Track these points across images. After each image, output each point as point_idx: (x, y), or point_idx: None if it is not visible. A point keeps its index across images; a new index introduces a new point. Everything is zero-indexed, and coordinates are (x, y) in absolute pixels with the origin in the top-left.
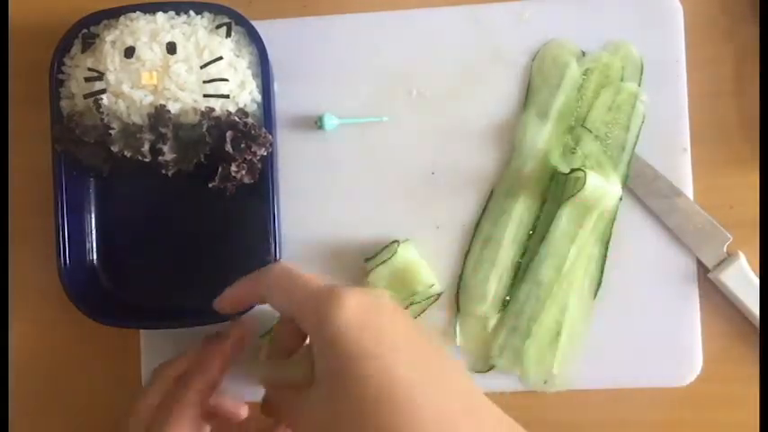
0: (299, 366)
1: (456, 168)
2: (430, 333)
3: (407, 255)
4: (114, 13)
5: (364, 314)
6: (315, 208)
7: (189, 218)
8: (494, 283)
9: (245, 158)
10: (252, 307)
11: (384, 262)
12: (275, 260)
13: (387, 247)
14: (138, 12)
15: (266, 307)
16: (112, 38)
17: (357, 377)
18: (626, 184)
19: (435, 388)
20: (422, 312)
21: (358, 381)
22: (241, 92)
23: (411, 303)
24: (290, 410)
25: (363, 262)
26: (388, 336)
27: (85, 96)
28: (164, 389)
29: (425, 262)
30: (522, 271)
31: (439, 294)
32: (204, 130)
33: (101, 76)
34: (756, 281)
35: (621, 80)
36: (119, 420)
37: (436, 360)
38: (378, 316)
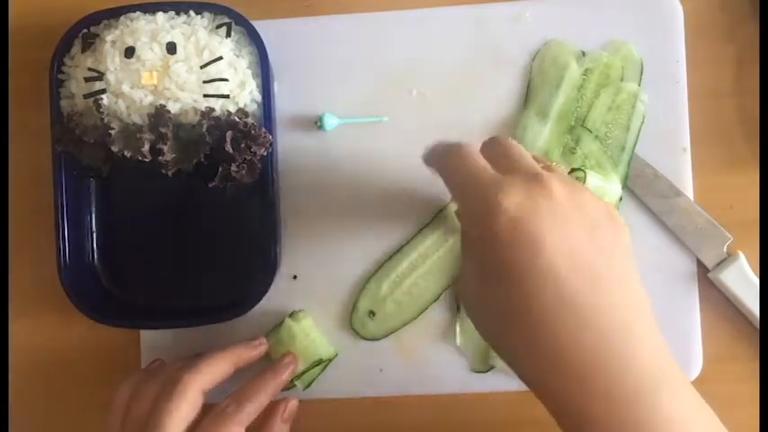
0: None
1: None
2: (603, 223)
3: (297, 329)
4: (114, 13)
5: (520, 221)
6: (315, 208)
7: (189, 218)
8: None
9: (245, 158)
10: None
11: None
12: (275, 260)
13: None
14: (138, 12)
15: (267, 307)
16: (112, 38)
17: (507, 284)
18: (626, 184)
19: (580, 315)
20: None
21: (507, 286)
22: (241, 92)
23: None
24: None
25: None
26: (543, 248)
27: (85, 96)
28: (196, 403)
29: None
30: None
31: (329, 360)
32: (204, 130)
33: (101, 76)
34: (756, 281)
35: (621, 80)
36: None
37: (596, 284)
38: (535, 223)
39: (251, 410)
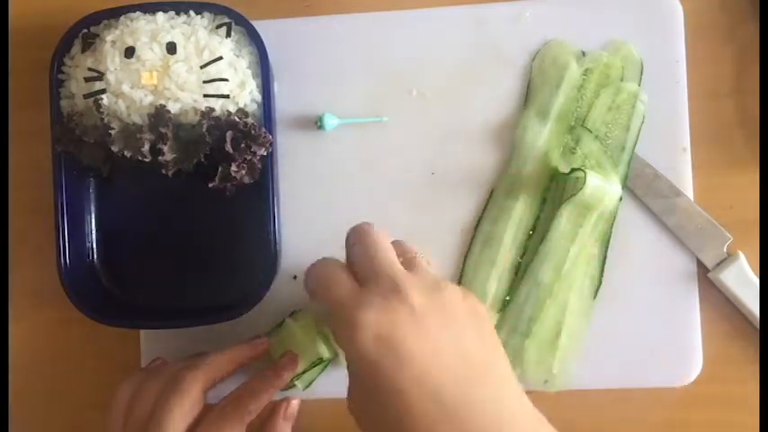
0: None
1: (456, 168)
2: (466, 322)
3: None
4: (114, 13)
5: (384, 339)
6: (315, 208)
7: (189, 218)
8: (494, 282)
9: (245, 158)
10: None
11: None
12: (275, 260)
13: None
14: (138, 12)
15: (267, 307)
16: (112, 38)
17: (377, 402)
18: (626, 184)
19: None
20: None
21: (378, 404)
22: (241, 92)
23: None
24: None
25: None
26: (412, 361)
27: (85, 96)
28: (198, 401)
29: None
30: (521, 271)
31: (329, 360)
32: (204, 130)
33: (101, 76)
34: (756, 281)
35: (621, 80)
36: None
37: (462, 385)
38: (398, 338)
39: (251, 409)
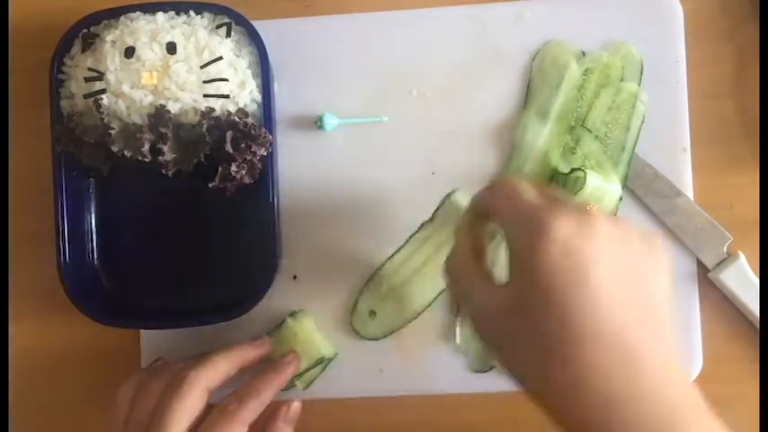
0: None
1: (456, 168)
2: (646, 264)
3: (298, 328)
4: (114, 13)
5: (570, 251)
6: (315, 208)
7: (189, 218)
8: None
9: (245, 158)
10: None
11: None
12: (275, 260)
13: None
14: (138, 12)
15: (267, 307)
16: (112, 38)
17: (549, 313)
18: (626, 184)
19: (621, 351)
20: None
21: (549, 315)
22: (241, 92)
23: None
24: (465, 290)
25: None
26: (593, 279)
27: (85, 96)
28: (201, 401)
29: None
30: None
31: (330, 359)
32: (204, 130)
33: (101, 76)
34: (756, 281)
35: (621, 80)
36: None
37: (636, 308)
38: (584, 253)
39: (253, 408)
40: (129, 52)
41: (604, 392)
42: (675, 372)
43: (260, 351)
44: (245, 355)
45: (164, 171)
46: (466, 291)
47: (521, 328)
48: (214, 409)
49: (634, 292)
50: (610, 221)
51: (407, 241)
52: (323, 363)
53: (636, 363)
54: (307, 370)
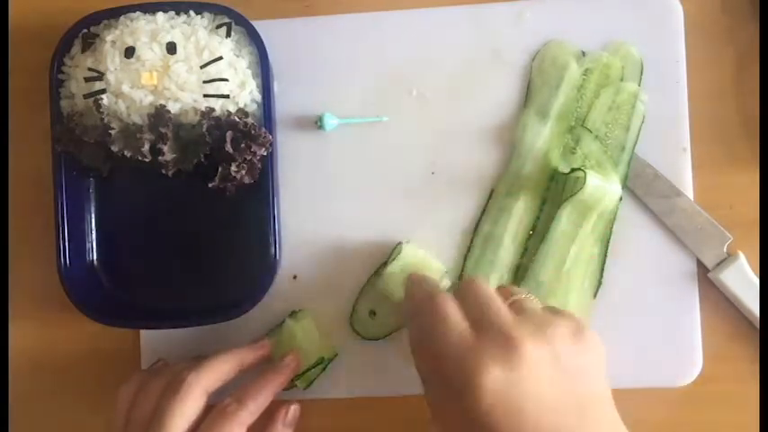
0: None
1: (456, 168)
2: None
3: (413, 252)
4: (114, 13)
5: (501, 399)
6: (315, 208)
7: (189, 218)
8: (494, 283)
9: (245, 158)
10: None
11: (394, 260)
12: (275, 260)
13: (394, 249)
14: (138, 12)
15: (267, 307)
16: (112, 38)
17: None
18: (626, 184)
19: None
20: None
21: None
22: (241, 92)
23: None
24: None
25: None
26: (526, 410)
27: (85, 96)
28: (200, 403)
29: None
30: (522, 271)
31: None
32: (204, 130)
33: (101, 76)
34: (756, 281)
35: (621, 80)
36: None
37: (573, 412)
38: (515, 396)
39: (252, 410)
40: (129, 52)
41: None
42: None
43: (259, 353)
44: (245, 357)
45: (164, 171)
46: (428, 358)
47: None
48: (213, 410)
49: (568, 400)
50: (533, 342)
51: (408, 241)
52: (323, 363)
53: None
54: (307, 370)
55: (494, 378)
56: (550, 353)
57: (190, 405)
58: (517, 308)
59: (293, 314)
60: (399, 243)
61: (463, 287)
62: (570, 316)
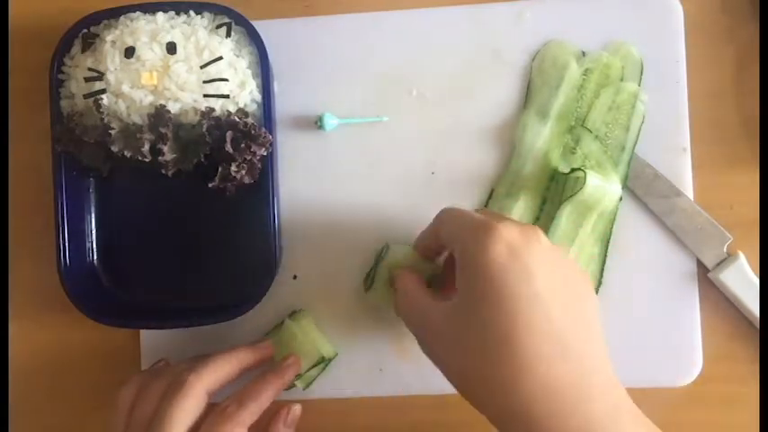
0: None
1: (456, 168)
2: (580, 278)
3: (295, 329)
4: (114, 13)
5: (514, 253)
6: (315, 208)
7: (189, 218)
8: None
9: (245, 158)
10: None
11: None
12: (275, 260)
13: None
14: (138, 12)
15: (267, 307)
16: (112, 38)
17: (489, 310)
18: (626, 184)
19: (558, 350)
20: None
21: (488, 313)
22: (241, 92)
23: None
24: (418, 314)
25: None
26: (535, 281)
27: (85, 96)
28: (201, 404)
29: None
30: None
31: (330, 359)
32: (204, 130)
33: (101, 76)
34: (756, 281)
35: (621, 80)
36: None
37: (577, 319)
38: (529, 257)
39: (253, 411)
40: (129, 52)
41: (543, 381)
42: (613, 378)
43: (261, 354)
44: (246, 357)
45: (164, 171)
46: (420, 316)
47: (473, 327)
48: (213, 411)
49: (572, 304)
50: (547, 240)
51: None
52: (323, 363)
53: (576, 359)
54: (307, 370)
55: (513, 233)
56: (563, 257)
57: (190, 406)
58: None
59: (293, 314)
60: (385, 245)
61: (437, 218)
62: None
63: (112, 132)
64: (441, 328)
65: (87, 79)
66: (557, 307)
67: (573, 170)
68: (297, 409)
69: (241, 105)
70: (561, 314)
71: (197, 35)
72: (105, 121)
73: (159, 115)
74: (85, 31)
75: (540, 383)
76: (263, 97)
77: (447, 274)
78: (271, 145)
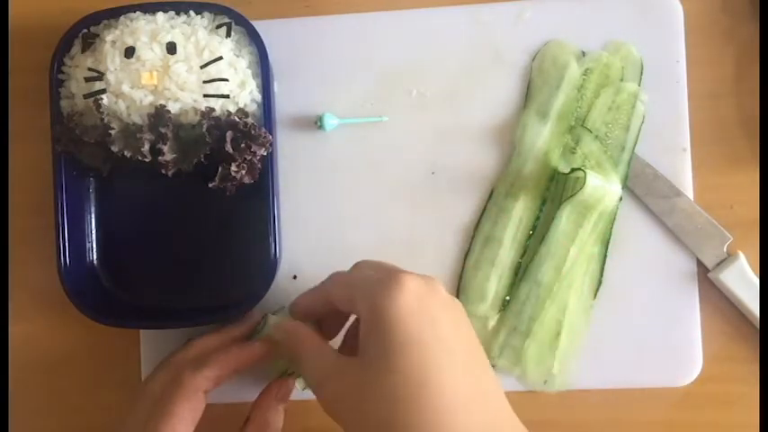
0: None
1: (456, 168)
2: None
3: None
4: (114, 13)
5: (421, 300)
6: (315, 208)
7: (189, 218)
8: (494, 282)
9: (245, 158)
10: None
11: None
12: (275, 260)
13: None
14: (138, 12)
15: (267, 307)
16: (112, 38)
17: (403, 357)
18: (626, 184)
19: (470, 394)
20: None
21: (402, 360)
22: (241, 92)
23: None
24: (318, 374)
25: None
26: (441, 326)
27: (85, 96)
28: (198, 405)
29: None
30: (522, 271)
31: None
32: (204, 130)
33: (101, 76)
34: (756, 281)
35: (621, 80)
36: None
37: (478, 366)
38: (433, 305)
39: (208, 376)
40: (129, 52)
41: (464, 423)
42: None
43: (256, 352)
44: (246, 354)
45: (164, 171)
46: (323, 375)
47: (392, 376)
48: (170, 379)
49: (474, 350)
50: (444, 290)
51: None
52: None
53: (487, 402)
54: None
55: (416, 282)
56: (452, 300)
57: (187, 406)
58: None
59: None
60: (265, 315)
61: (329, 283)
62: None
63: (112, 132)
64: (355, 382)
65: (87, 79)
66: (461, 351)
67: (573, 170)
68: (290, 383)
69: (241, 105)
70: (468, 358)
71: (197, 35)
72: (105, 121)
73: (159, 115)
74: (85, 31)
75: (462, 425)
76: (263, 97)
77: (344, 334)
78: (271, 145)
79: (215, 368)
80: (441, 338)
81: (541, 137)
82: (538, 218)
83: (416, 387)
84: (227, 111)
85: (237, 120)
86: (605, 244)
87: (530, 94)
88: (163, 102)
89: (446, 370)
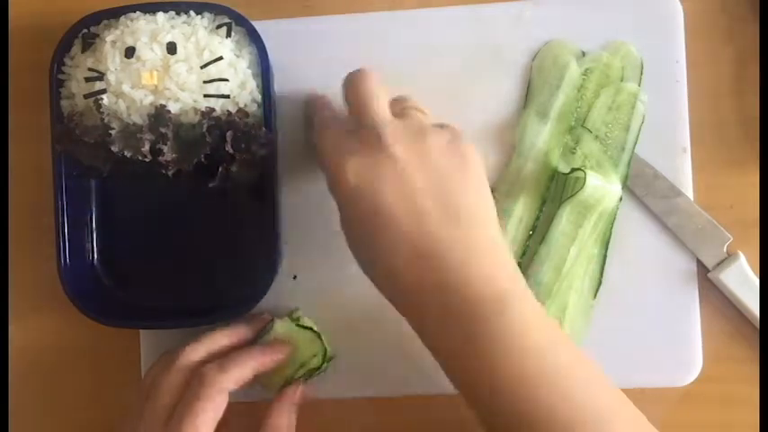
0: None
1: None
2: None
3: (284, 330)
4: (114, 13)
5: (358, 176)
6: (315, 208)
7: (189, 218)
8: None
9: (245, 158)
10: None
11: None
12: (275, 260)
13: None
14: (138, 12)
15: (267, 307)
16: (113, 38)
17: (358, 230)
18: (626, 184)
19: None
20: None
21: (359, 233)
22: (241, 92)
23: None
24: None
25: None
26: (381, 197)
27: (86, 96)
28: (221, 404)
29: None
30: (522, 271)
31: (326, 362)
32: (204, 130)
33: (101, 76)
34: (756, 281)
35: (621, 80)
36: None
37: (433, 227)
38: (375, 190)
39: (235, 377)
40: (130, 52)
41: (413, 284)
42: (502, 262)
43: (277, 356)
44: (262, 358)
45: (164, 171)
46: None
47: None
48: (194, 378)
49: (422, 197)
50: (403, 143)
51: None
52: (323, 365)
53: (434, 257)
54: (306, 372)
55: (355, 171)
56: (419, 158)
57: (212, 406)
58: (400, 112)
59: (291, 313)
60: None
61: (350, 78)
62: (450, 128)
63: (112, 132)
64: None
65: (87, 79)
66: (413, 226)
67: (573, 170)
68: (303, 390)
69: (241, 105)
70: (418, 229)
71: (197, 35)
72: (105, 121)
73: (159, 115)
74: (85, 31)
75: (408, 290)
76: (263, 97)
77: None
78: (271, 145)
79: (239, 369)
80: (379, 212)
81: (541, 137)
82: (538, 218)
83: (374, 262)
84: (228, 111)
85: (238, 120)
86: (605, 244)
87: (530, 94)
88: (163, 102)
89: (387, 246)
